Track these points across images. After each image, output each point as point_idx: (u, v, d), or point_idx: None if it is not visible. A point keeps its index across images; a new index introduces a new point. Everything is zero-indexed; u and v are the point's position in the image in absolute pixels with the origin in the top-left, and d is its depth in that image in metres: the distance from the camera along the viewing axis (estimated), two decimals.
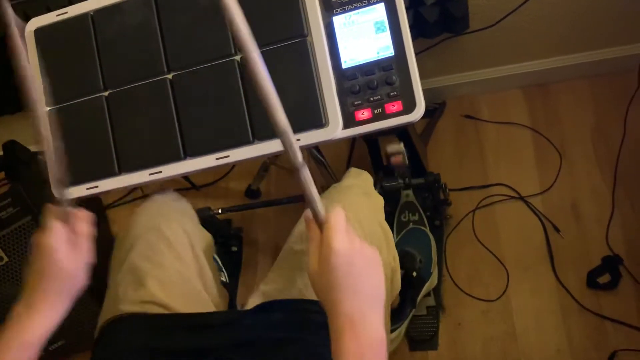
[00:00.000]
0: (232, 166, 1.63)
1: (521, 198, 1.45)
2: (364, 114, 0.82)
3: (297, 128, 0.82)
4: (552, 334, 1.29)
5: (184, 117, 0.87)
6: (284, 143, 0.60)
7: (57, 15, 0.92)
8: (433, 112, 1.59)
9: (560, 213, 1.41)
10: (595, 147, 1.45)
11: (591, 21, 1.36)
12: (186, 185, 1.67)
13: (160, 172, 0.88)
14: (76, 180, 0.90)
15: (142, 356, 0.81)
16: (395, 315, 1.24)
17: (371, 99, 0.82)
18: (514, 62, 1.51)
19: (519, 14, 1.31)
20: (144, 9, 0.88)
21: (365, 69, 0.83)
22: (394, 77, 0.82)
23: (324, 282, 0.62)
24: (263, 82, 0.57)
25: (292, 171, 0.62)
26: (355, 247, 0.62)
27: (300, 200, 0.89)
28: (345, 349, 0.59)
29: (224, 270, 1.41)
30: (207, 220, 1.40)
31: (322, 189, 0.96)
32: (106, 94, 0.90)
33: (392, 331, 1.19)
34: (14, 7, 0.73)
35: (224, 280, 1.39)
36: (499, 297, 1.36)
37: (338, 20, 0.84)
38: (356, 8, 0.83)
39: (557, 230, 1.39)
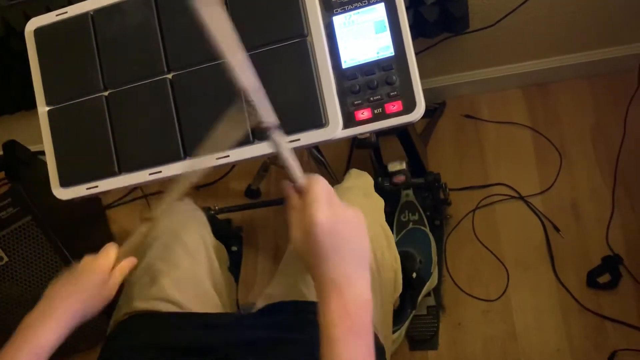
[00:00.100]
0: (232, 166, 1.63)
1: (521, 198, 1.45)
2: (364, 113, 0.82)
3: (297, 128, 0.82)
4: (552, 333, 1.29)
5: (184, 116, 0.87)
6: (251, 100, 0.57)
7: (57, 15, 0.92)
8: (433, 111, 1.59)
9: (560, 213, 1.41)
10: (595, 147, 1.45)
11: (591, 21, 1.36)
12: None
13: (160, 171, 0.88)
14: (76, 180, 0.90)
15: (152, 353, 0.82)
16: (396, 316, 1.24)
17: (371, 98, 0.82)
18: (513, 61, 1.51)
19: (519, 13, 1.31)
20: (143, 9, 0.88)
21: (365, 69, 0.82)
22: (394, 77, 0.81)
23: (309, 251, 0.61)
24: (217, 36, 0.56)
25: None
26: (338, 216, 0.61)
27: None
28: (331, 311, 0.59)
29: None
30: (207, 220, 1.40)
31: None
32: (106, 93, 0.90)
33: (392, 332, 1.19)
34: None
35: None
36: (499, 297, 1.36)
37: (338, 20, 0.83)
38: (356, 8, 0.83)
39: (557, 230, 1.39)
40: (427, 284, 1.31)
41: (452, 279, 1.40)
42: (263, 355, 0.80)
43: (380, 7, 0.82)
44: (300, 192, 0.63)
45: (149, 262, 0.94)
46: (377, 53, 0.82)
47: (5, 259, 1.40)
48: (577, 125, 1.48)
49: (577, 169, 1.45)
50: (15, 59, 1.33)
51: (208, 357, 0.79)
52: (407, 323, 1.27)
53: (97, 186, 0.90)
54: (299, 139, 0.82)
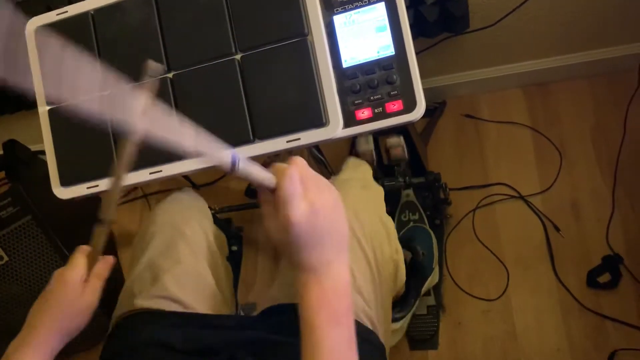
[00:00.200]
0: None
1: (521, 197, 1.45)
2: (364, 113, 0.82)
3: (298, 127, 0.82)
4: (552, 333, 1.29)
5: (184, 115, 0.87)
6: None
7: (57, 15, 0.92)
8: (433, 111, 1.59)
9: (561, 212, 1.41)
10: (595, 147, 1.45)
11: (591, 21, 1.36)
12: (186, 185, 1.67)
13: (161, 170, 0.88)
14: (76, 180, 0.91)
15: (154, 351, 0.81)
16: (400, 303, 1.22)
17: (372, 98, 0.82)
18: (514, 61, 1.51)
19: (519, 13, 1.31)
20: (144, 8, 0.88)
21: (366, 68, 0.82)
22: (394, 76, 0.81)
23: (286, 243, 0.60)
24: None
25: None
26: (315, 206, 0.58)
27: None
28: (311, 299, 0.59)
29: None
30: (208, 207, 1.40)
31: None
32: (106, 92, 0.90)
33: (397, 320, 1.18)
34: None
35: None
36: (499, 297, 1.36)
37: (338, 20, 0.84)
38: (357, 7, 0.83)
39: (557, 229, 1.39)
40: (429, 280, 1.31)
41: (452, 279, 1.40)
42: (264, 357, 0.79)
43: (381, 7, 0.82)
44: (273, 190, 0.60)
45: (150, 258, 0.93)
46: (378, 52, 0.82)
47: (6, 258, 1.41)
48: (577, 125, 1.48)
49: (577, 168, 1.45)
50: None
51: (212, 359, 0.79)
52: (409, 315, 1.25)
53: (97, 185, 0.90)
54: (299, 138, 0.82)
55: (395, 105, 0.81)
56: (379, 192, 1.04)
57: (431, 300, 1.36)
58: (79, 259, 0.76)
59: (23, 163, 1.50)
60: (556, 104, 1.53)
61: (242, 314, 1.22)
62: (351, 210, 0.89)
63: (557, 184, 1.44)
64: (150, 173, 0.88)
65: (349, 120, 0.83)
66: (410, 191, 1.40)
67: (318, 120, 0.82)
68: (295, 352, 0.59)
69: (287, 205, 0.57)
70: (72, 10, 0.91)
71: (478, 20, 1.35)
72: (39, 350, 0.71)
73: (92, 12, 0.90)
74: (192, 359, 0.81)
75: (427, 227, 1.38)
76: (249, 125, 0.84)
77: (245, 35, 0.85)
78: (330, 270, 0.60)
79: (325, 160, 1.38)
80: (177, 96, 0.87)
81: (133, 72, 0.88)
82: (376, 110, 0.82)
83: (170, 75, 0.87)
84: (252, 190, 1.61)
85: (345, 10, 0.83)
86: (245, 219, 1.62)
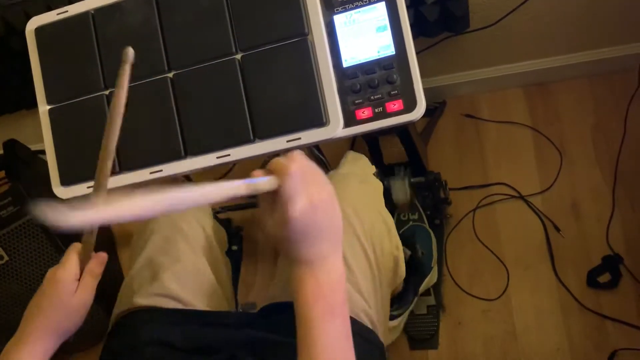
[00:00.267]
0: (233, 165, 1.63)
1: (521, 197, 1.45)
2: (364, 112, 0.82)
3: (298, 127, 0.82)
4: (552, 333, 1.29)
5: (184, 115, 0.87)
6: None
7: (58, 14, 0.92)
8: (433, 111, 1.59)
9: (561, 212, 1.41)
10: (595, 147, 1.45)
11: (591, 20, 1.36)
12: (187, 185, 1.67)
13: (161, 170, 0.88)
14: (76, 179, 0.90)
15: (154, 350, 0.81)
16: (398, 300, 1.22)
17: (372, 97, 0.82)
18: (514, 61, 1.51)
19: (519, 13, 1.31)
20: (144, 8, 0.88)
21: (366, 68, 0.82)
22: (394, 76, 0.81)
23: (282, 238, 0.60)
24: None
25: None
26: (314, 202, 0.59)
27: None
28: (306, 293, 0.59)
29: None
30: None
31: None
32: (107, 92, 0.90)
33: (395, 317, 1.18)
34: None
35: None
36: (499, 296, 1.36)
37: (339, 19, 0.83)
38: (357, 7, 0.83)
39: (557, 229, 1.39)
40: (427, 279, 1.31)
41: (452, 278, 1.40)
42: (264, 357, 0.79)
43: (381, 6, 0.82)
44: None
45: (149, 256, 0.93)
46: (378, 52, 0.82)
47: (6, 257, 1.41)
48: (578, 124, 1.48)
49: (577, 168, 1.45)
50: (16, 58, 1.33)
51: (212, 357, 0.79)
52: (407, 312, 1.25)
53: None
54: (299, 138, 0.82)
55: (395, 105, 0.81)
56: (378, 186, 1.04)
57: (431, 300, 1.36)
58: (71, 257, 0.75)
59: (23, 162, 1.50)
60: (556, 103, 1.53)
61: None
62: (350, 206, 0.89)
63: (557, 184, 1.44)
64: (150, 173, 0.88)
65: (349, 119, 0.83)
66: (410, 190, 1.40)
67: (318, 119, 0.82)
68: (295, 352, 0.59)
69: (288, 203, 0.58)
70: (72, 10, 0.91)
71: (478, 20, 1.35)
72: (34, 350, 0.71)
73: (93, 12, 0.90)
74: (192, 357, 0.81)
75: (427, 226, 1.38)
76: (249, 124, 0.84)
77: (245, 34, 0.85)
78: (326, 264, 0.61)
79: (326, 160, 1.38)
80: (177, 96, 0.87)
81: (133, 72, 0.89)
82: (376, 110, 0.82)
83: (170, 75, 0.87)
84: None
85: (345, 10, 0.83)
86: (245, 219, 1.62)
